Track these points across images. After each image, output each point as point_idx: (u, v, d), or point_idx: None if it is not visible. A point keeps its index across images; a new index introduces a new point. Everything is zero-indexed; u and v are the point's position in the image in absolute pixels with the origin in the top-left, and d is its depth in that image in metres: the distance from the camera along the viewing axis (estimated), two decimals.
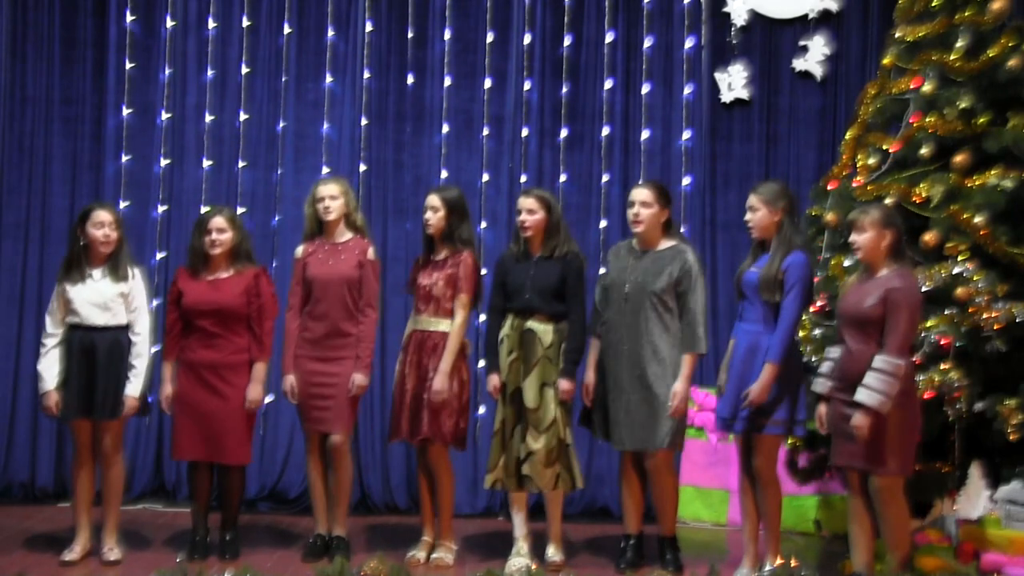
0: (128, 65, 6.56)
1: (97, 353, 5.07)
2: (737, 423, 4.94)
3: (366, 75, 6.60)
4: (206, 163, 6.58)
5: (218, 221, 5.24)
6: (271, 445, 6.44)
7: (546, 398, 5.15)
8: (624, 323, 5.12)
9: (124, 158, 6.55)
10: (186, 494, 5.96)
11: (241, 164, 6.60)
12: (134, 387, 5.12)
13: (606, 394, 5.18)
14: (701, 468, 6.33)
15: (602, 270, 5.23)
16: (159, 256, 6.49)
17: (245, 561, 5.11)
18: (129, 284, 5.15)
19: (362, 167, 6.59)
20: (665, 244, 5.19)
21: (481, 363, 5.88)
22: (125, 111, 6.55)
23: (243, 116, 6.60)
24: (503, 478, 5.20)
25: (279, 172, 6.62)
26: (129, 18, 6.57)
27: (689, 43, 6.66)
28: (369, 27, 6.61)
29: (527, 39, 6.64)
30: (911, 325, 4.51)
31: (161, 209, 6.56)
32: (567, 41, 6.67)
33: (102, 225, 5.11)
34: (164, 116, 6.57)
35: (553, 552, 5.29)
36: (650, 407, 5.06)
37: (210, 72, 6.59)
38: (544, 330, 5.18)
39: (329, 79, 6.63)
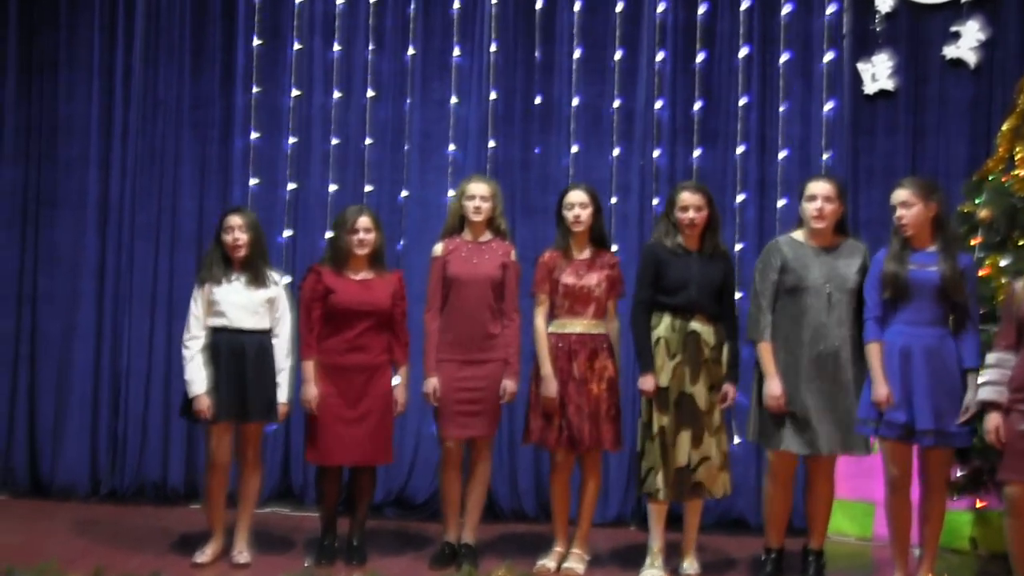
0: (255, 74, 6.60)
1: (247, 356, 5.08)
2: (962, 437, 4.68)
3: (492, 48, 6.48)
4: (332, 187, 6.55)
5: (365, 220, 5.19)
6: (397, 450, 6.26)
7: (714, 401, 5.01)
8: (826, 323, 4.87)
9: (251, 167, 6.61)
10: (313, 498, 5.94)
11: (367, 188, 6.56)
12: (283, 392, 5.15)
13: (805, 400, 4.89)
14: (843, 479, 5.98)
15: (774, 268, 4.98)
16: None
17: (372, 566, 5.09)
18: (273, 290, 5.16)
19: (488, 167, 6.47)
20: (839, 239, 4.98)
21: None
22: (252, 117, 6.58)
23: (367, 141, 6.56)
24: (664, 487, 4.97)
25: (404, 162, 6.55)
26: (256, 26, 6.61)
27: (829, 35, 6.35)
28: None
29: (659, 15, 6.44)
30: None
31: (286, 234, 6.54)
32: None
33: (231, 230, 5.13)
34: (290, 127, 6.58)
35: (689, 564, 5.13)
36: (851, 408, 4.85)
37: (336, 91, 6.58)
38: (707, 331, 5.01)
39: (456, 51, 6.55)
